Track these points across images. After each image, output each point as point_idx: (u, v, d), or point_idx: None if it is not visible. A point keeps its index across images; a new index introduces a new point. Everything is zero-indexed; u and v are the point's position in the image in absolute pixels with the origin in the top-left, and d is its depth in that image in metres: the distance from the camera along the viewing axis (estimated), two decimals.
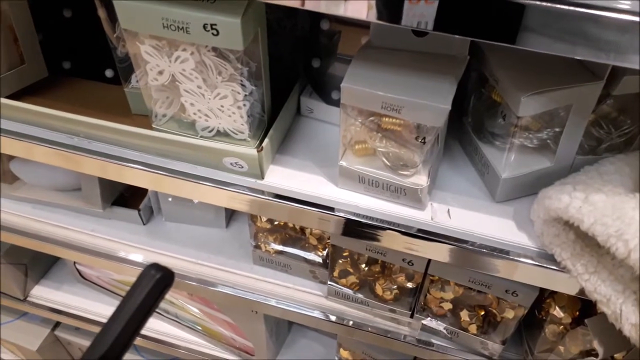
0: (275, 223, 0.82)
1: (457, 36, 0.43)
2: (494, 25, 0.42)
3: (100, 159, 0.70)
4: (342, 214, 0.65)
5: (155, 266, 0.49)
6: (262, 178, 0.67)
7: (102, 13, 0.71)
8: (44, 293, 1.21)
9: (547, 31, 0.41)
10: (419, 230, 0.64)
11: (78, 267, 1.15)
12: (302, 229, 0.81)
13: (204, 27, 0.52)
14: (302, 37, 0.73)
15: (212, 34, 0.53)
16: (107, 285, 1.17)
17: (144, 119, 0.73)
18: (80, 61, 0.78)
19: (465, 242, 0.63)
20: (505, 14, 0.41)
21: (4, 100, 0.69)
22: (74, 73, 0.79)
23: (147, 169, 0.68)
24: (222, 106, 0.61)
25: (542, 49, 0.42)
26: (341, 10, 0.44)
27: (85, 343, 1.32)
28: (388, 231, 0.65)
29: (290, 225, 0.83)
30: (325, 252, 0.82)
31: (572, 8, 0.39)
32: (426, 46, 0.59)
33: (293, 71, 0.74)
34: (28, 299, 1.20)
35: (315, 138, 0.74)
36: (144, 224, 0.95)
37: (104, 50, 0.75)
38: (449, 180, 0.69)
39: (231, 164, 0.66)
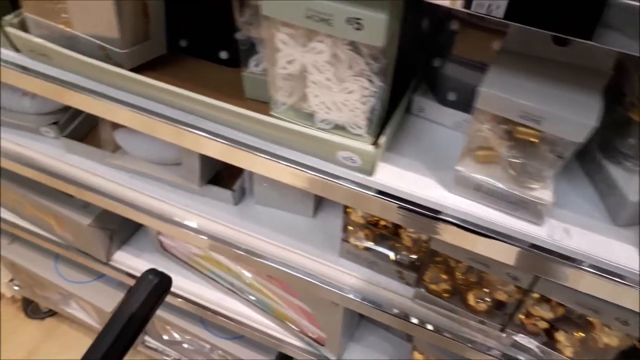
0: (369, 219, 0.82)
1: (600, 48, 0.41)
2: (571, 19, 0.40)
3: (212, 138, 0.71)
4: (450, 219, 0.64)
5: (154, 271, 0.49)
6: (372, 174, 0.67)
7: None
8: (124, 259, 1.26)
9: (628, 30, 0.38)
10: (532, 246, 0.62)
11: (160, 237, 1.19)
12: (397, 228, 0.80)
13: (348, 20, 0.51)
14: (423, 35, 0.71)
15: (355, 28, 0.52)
16: (186, 259, 1.20)
17: (257, 104, 0.74)
18: (196, 40, 0.79)
19: (582, 263, 0.60)
20: (584, 7, 0.38)
21: (127, 73, 0.71)
22: (189, 51, 0.80)
23: (259, 154, 0.69)
24: (346, 100, 0.60)
25: (620, 48, 0.39)
26: None
27: (157, 312, 1.37)
28: (497, 242, 0.63)
29: (384, 223, 0.82)
30: (416, 255, 0.81)
31: None
32: (567, 56, 0.56)
33: (409, 68, 0.73)
34: (110, 262, 1.25)
35: (425, 138, 0.73)
36: (235, 205, 0.96)
37: (221, 31, 0.77)
38: (565, 197, 0.66)
39: (344, 157, 0.65)
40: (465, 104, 0.71)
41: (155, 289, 0.49)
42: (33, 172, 1.02)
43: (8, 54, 0.80)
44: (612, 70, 0.55)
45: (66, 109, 1.04)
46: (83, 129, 1.05)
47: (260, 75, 0.72)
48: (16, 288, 1.67)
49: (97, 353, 0.47)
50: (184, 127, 0.72)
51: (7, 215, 1.33)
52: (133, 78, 0.70)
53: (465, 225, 0.64)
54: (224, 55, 0.79)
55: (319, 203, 0.98)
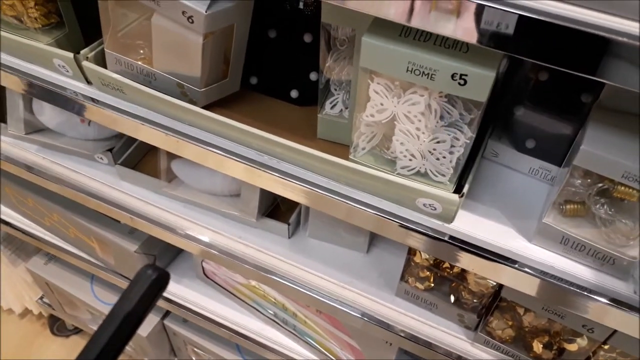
0: (433, 261, 0.81)
1: None
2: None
3: (286, 179, 0.71)
4: (529, 270, 0.64)
5: (152, 267, 0.48)
6: (452, 222, 0.66)
7: (308, 38, 0.72)
8: None
9: None
10: (613, 300, 0.61)
11: (204, 264, 1.18)
12: (463, 273, 0.80)
13: (452, 76, 0.51)
14: (502, 81, 0.71)
15: (459, 83, 0.52)
16: (227, 287, 1.19)
17: (328, 145, 0.74)
18: (268, 79, 0.80)
19: None
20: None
21: (201, 111, 0.71)
22: (259, 89, 0.81)
23: (336, 197, 0.69)
24: (434, 149, 0.60)
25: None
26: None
27: (191, 336, 1.36)
28: (577, 295, 0.62)
29: (447, 264, 0.81)
30: (481, 299, 0.80)
31: None
32: None
33: (487, 114, 0.73)
34: None
35: (500, 184, 0.72)
36: (288, 238, 0.96)
37: (294, 71, 0.77)
38: None
39: (424, 204, 0.65)
40: (542, 151, 0.71)
41: (153, 284, 0.48)
42: (85, 198, 1.02)
43: (77, 85, 0.81)
44: None
45: (120, 135, 1.04)
46: (137, 156, 1.05)
47: (336, 118, 0.72)
48: (45, 306, 1.66)
49: (97, 347, 0.46)
50: (259, 168, 0.72)
51: (46, 236, 1.33)
52: (208, 117, 0.70)
53: (547, 278, 0.63)
54: (294, 94, 0.79)
55: (372, 239, 0.97)
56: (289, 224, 0.93)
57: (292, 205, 0.97)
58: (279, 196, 0.76)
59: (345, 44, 0.66)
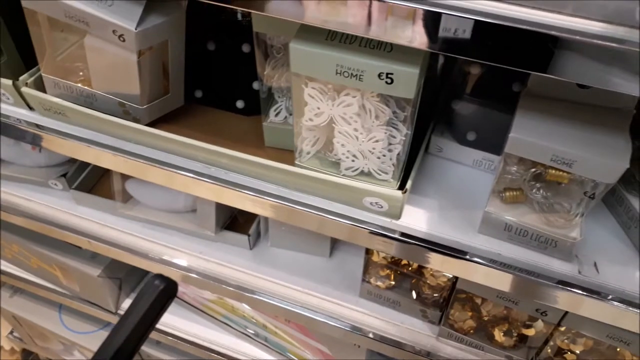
0: (390, 259, 0.82)
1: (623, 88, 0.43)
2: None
3: (236, 190, 0.71)
4: (479, 260, 0.65)
5: (160, 277, 0.48)
6: (399, 218, 0.67)
7: (247, 48, 0.72)
8: None
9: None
10: (560, 282, 0.63)
11: None
12: (420, 268, 0.80)
13: (379, 75, 0.52)
14: (440, 77, 0.73)
15: (386, 82, 0.53)
16: (195, 303, 1.18)
17: (276, 152, 0.75)
18: (212, 91, 0.80)
19: (609, 296, 0.61)
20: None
21: (147, 129, 0.71)
22: (205, 102, 0.81)
23: (283, 202, 0.69)
24: (373, 148, 0.61)
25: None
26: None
27: (164, 357, 1.34)
28: (528, 281, 0.63)
29: (405, 262, 0.82)
30: (440, 293, 0.81)
31: None
32: (590, 98, 0.57)
33: (426, 110, 0.74)
34: (118, 312, 1.23)
35: (445, 178, 0.74)
36: (250, 249, 0.96)
37: (237, 82, 0.78)
38: (590, 231, 0.67)
39: (371, 203, 0.66)
40: (483, 142, 0.72)
41: (161, 294, 0.47)
42: (41, 226, 1.01)
43: (20, 112, 0.80)
44: (635, 109, 0.57)
45: (74, 160, 1.03)
46: (91, 179, 1.04)
47: (280, 125, 0.72)
48: (16, 340, 1.62)
49: (105, 356, 0.46)
50: (208, 180, 0.72)
51: (9, 268, 1.30)
52: (153, 134, 0.70)
53: (496, 266, 0.64)
54: (240, 104, 0.80)
55: (334, 242, 0.98)
56: (249, 235, 0.93)
57: (250, 216, 0.97)
58: (236, 208, 0.76)
59: (281, 51, 0.67)
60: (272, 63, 0.67)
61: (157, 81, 0.70)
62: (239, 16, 0.74)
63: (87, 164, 1.04)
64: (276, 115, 0.73)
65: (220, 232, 0.93)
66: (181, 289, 1.17)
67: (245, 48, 0.73)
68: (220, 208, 0.90)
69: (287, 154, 0.74)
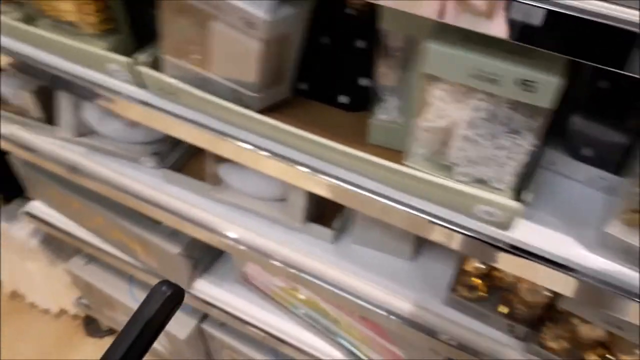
0: (484, 270, 0.80)
1: None
2: None
3: (336, 183, 0.71)
4: (589, 280, 0.62)
5: (167, 283, 0.47)
6: (507, 229, 0.65)
7: (361, 44, 0.72)
8: (204, 287, 1.26)
9: None
10: None
11: (247, 269, 1.19)
12: (515, 282, 0.78)
13: (517, 81, 0.51)
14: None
15: (524, 89, 0.51)
16: (267, 291, 1.20)
17: (379, 150, 0.74)
18: (318, 84, 0.80)
19: None
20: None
21: (259, 117, 0.72)
22: (309, 94, 0.81)
23: (389, 202, 0.68)
24: (495, 156, 0.60)
25: None
26: None
27: (228, 340, 1.36)
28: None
29: (498, 274, 0.80)
30: (533, 309, 0.78)
31: None
32: None
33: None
34: (189, 290, 1.25)
35: (557, 193, 0.71)
36: (332, 243, 0.96)
37: (343, 77, 0.77)
38: None
39: (482, 211, 0.64)
40: (600, 159, 0.69)
41: (168, 300, 0.47)
42: (131, 200, 1.04)
43: (129, 88, 0.82)
44: None
45: (166, 139, 1.06)
46: (182, 160, 1.06)
47: (388, 123, 0.72)
48: (81, 306, 1.69)
49: None
50: (311, 171, 0.72)
51: (89, 237, 1.35)
52: (264, 121, 0.71)
53: (607, 288, 0.61)
54: (343, 99, 0.79)
55: (419, 246, 0.97)
56: (334, 229, 0.93)
57: (335, 211, 0.97)
58: (324, 202, 0.76)
59: (399, 50, 0.66)
60: (388, 61, 0.66)
61: (274, 71, 0.70)
62: (356, 12, 0.73)
63: (176, 145, 1.07)
64: (384, 113, 0.72)
65: (306, 223, 0.94)
66: (254, 273, 1.19)
67: (360, 44, 0.72)
68: (311, 200, 0.90)
69: (390, 153, 0.73)
